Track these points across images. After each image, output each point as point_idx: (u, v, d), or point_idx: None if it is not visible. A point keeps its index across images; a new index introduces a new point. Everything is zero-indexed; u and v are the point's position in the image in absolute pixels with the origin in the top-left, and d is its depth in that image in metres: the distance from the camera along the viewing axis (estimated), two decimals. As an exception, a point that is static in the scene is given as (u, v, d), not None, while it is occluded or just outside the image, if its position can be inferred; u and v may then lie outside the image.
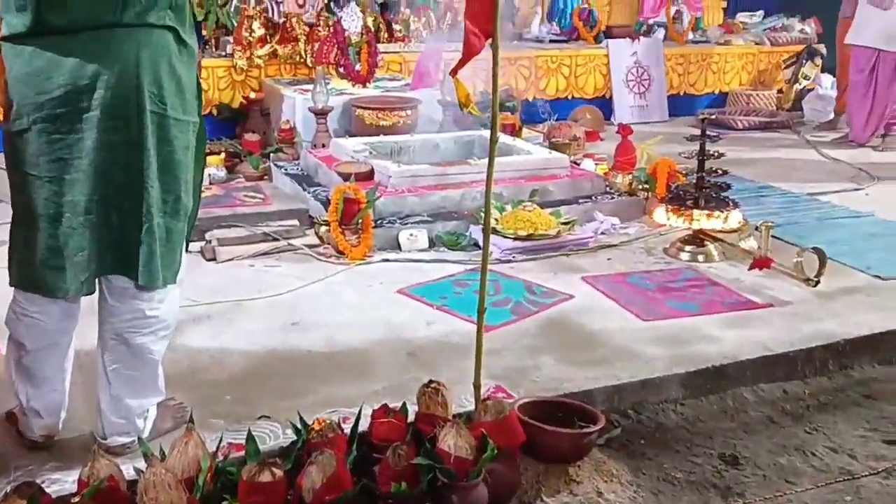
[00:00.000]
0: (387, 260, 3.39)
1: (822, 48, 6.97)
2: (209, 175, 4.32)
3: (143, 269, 1.84)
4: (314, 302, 2.98)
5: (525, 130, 5.37)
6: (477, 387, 2.09)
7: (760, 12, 7.60)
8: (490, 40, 2.00)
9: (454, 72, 2.09)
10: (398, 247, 3.50)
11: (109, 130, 1.77)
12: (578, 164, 4.43)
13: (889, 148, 5.56)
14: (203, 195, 3.88)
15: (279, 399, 2.27)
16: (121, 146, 1.79)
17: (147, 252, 1.84)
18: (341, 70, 5.18)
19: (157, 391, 2.02)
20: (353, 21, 5.22)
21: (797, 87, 6.84)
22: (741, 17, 7.58)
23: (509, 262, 3.39)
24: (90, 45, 1.74)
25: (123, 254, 1.85)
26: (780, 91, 6.98)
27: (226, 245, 3.41)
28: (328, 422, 1.91)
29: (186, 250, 2.06)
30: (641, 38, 6.83)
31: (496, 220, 3.58)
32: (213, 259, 3.36)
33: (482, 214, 2.45)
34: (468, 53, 2.02)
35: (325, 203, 3.63)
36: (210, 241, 3.43)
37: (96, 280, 1.89)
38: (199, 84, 1.94)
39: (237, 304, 2.94)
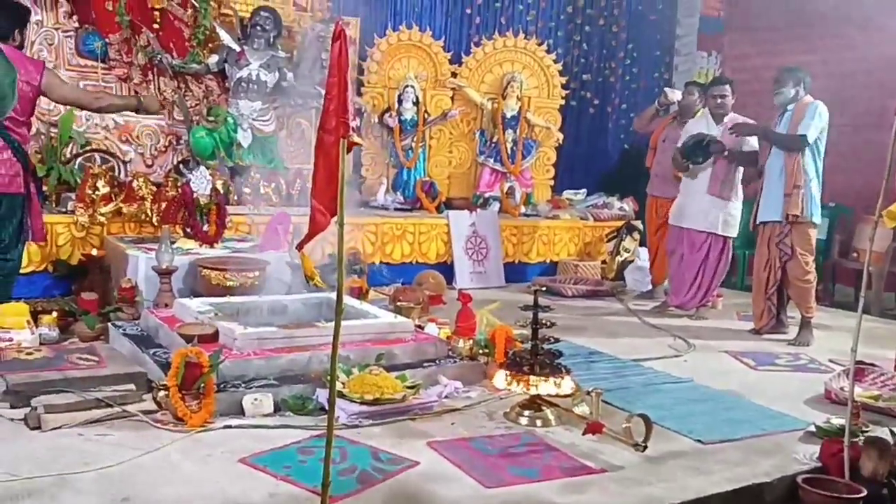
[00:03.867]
0: (229, 426, 3.28)
1: (640, 224, 7.70)
2: (41, 335, 4.12)
3: None
4: (148, 474, 2.82)
5: (372, 293, 5.50)
6: (323, 564, 2.05)
7: (584, 190, 8.36)
8: (335, 217, 2.12)
9: (300, 246, 2.19)
10: (242, 412, 3.41)
11: None
12: (422, 328, 4.56)
13: (702, 317, 6.10)
14: (31, 357, 3.74)
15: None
16: None
17: None
18: (188, 230, 5.17)
19: None
20: (202, 183, 5.28)
21: (619, 259, 7.47)
22: (567, 193, 8.29)
23: (356, 427, 3.38)
24: None
25: None
26: (604, 262, 7.58)
27: (52, 412, 3.19)
28: None
29: None
30: (479, 209, 7.31)
31: (343, 383, 3.60)
32: (38, 427, 3.14)
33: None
34: (314, 230, 2.14)
35: (166, 366, 3.51)
36: (35, 408, 3.21)
37: None
38: None
39: (61, 478, 2.73)
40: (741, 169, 5.95)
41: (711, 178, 5.95)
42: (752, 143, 5.85)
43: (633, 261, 7.46)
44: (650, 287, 7.01)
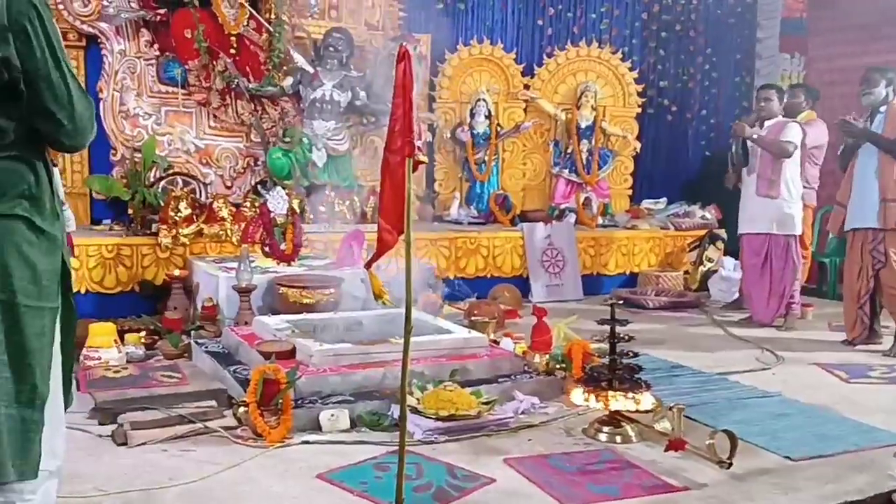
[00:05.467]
0: (307, 442, 3.33)
1: (723, 233, 7.48)
2: (127, 353, 4.25)
3: None
4: (228, 489, 2.87)
5: (446, 307, 5.49)
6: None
7: (664, 199, 8.17)
8: (403, 236, 2.12)
9: (369, 265, 2.20)
10: (318, 428, 3.45)
11: None
12: (498, 343, 4.52)
13: (791, 328, 5.87)
14: (118, 374, 3.87)
15: None
16: None
17: None
18: (266, 249, 5.27)
19: None
20: (279, 203, 5.38)
21: (702, 269, 7.26)
22: (646, 203, 8.11)
23: (431, 443, 3.36)
24: None
25: None
26: (686, 272, 7.38)
27: (138, 429, 3.30)
28: None
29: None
30: (554, 221, 7.22)
31: (417, 399, 3.60)
32: (125, 444, 3.24)
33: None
34: (381, 248, 2.15)
35: (245, 382, 3.58)
36: (122, 425, 3.32)
37: None
38: (65, 268, 1.94)
39: (146, 493, 2.81)
40: (788, 166, 5.79)
41: (758, 179, 5.88)
42: (791, 136, 5.75)
43: (717, 270, 7.24)
44: (736, 297, 6.78)
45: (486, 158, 7.39)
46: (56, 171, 2.07)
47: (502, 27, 7.91)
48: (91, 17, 5.94)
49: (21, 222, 1.83)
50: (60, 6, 5.77)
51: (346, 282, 4.95)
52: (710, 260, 7.33)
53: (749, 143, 5.98)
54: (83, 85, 1.94)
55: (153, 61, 6.15)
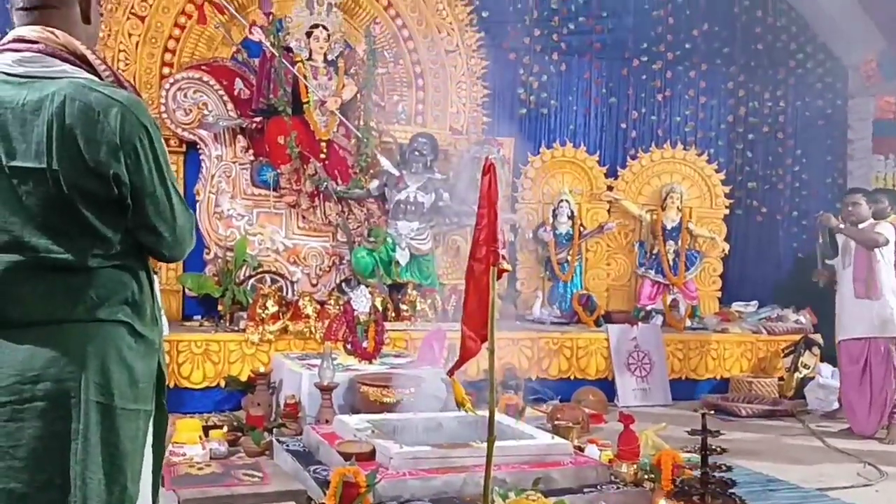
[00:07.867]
0: (384, 549, 3.25)
1: (819, 338, 7.15)
2: (211, 450, 4.28)
3: None
4: None
5: (528, 410, 5.36)
6: None
7: (755, 302, 7.91)
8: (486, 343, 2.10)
9: (451, 372, 2.17)
10: (397, 535, 3.37)
11: (51, 421, 1.77)
12: (582, 450, 4.36)
13: (895, 441, 5.50)
14: (202, 472, 3.89)
15: None
16: (61, 436, 1.77)
17: None
18: (349, 346, 5.31)
19: None
20: (362, 301, 5.45)
21: (797, 375, 6.92)
22: (736, 306, 7.87)
23: (512, 555, 3.23)
24: (41, 338, 1.78)
25: None
26: (781, 379, 7.05)
27: (218, 528, 3.29)
28: None
29: None
30: (640, 323, 7.06)
31: (499, 509, 3.47)
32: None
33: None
34: (465, 356, 2.14)
35: (325, 484, 3.53)
36: (202, 524, 3.32)
37: None
38: (160, 372, 1.98)
39: None
40: (881, 266, 5.61)
41: (854, 281, 5.68)
42: (882, 230, 5.62)
43: (813, 377, 6.88)
44: (836, 406, 6.42)
45: (569, 258, 7.36)
46: (155, 278, 2.15)
47: (585, 130, 8.01)
48: (192, 124, 6.30)
49: (123, 327, 1.88)
50: (164, 115, 6.14)
51: (426, 381, 4.91)
52: (805, 366, 6.99)
53: (840, 241, 5.81)
54: (182, 189, 2.03)
55: (248, 166, 6.45)
